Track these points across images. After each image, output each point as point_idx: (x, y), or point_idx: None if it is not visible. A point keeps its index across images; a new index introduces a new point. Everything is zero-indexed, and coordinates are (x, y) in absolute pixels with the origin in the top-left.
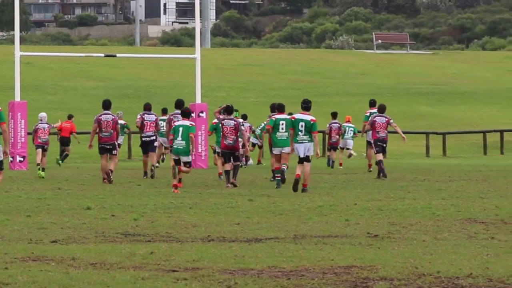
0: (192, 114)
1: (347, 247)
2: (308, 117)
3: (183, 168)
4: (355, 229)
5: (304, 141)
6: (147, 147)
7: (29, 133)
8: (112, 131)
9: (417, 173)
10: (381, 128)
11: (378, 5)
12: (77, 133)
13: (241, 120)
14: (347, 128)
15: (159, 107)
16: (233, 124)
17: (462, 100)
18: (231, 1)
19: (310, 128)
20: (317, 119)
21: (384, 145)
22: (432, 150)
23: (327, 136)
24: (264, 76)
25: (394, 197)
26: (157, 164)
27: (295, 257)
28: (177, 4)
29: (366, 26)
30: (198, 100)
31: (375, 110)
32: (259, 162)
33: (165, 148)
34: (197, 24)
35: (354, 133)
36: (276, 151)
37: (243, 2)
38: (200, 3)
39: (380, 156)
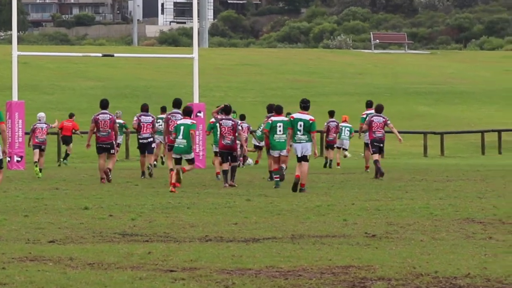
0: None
1: (345, 247)
2: (307, 116)
3: (187, 167)
4: (353, 229)
5: (301, 141)
6: (144, 148)
7: (26, 133)
8: (109, 130)
9: (415, 173)
10: (378, 128)
11: (376, 4)
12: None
13: (238, 121)
14: (343, 128)
15: (157, 107)
16: (231, 124)
17: (460, 100)
18: (228, 1)
19: (309, 128)
20: (315, 119)
21: (381, 144)
22: (430, 150)
23: (324, 135)
24: (262, 76)
25: (392, 197)
26: (154, 162)
27: (293, 257)
28: (175, 3)
29: (364, 25)
30: (196, 100)
31: (371, 111)
32: (256, 163)
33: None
34: (194, 23)
35: (351, 132)
36: (274, 153)
37: (240, 1)
38: (198, 2)
39: (376, 156)
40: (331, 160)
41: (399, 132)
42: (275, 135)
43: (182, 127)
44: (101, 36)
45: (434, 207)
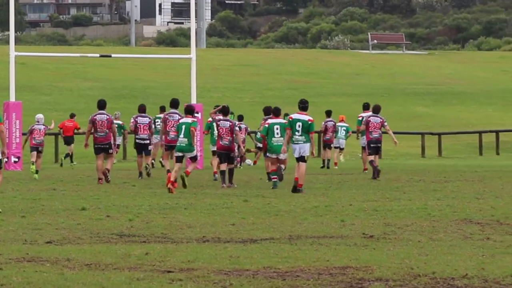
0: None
1: (343, 248)
2: (305, 117)
3: (189, 168)
4: (351, 230)
5: (299, 142)
6: (141, 148)
7: (24, 134)
8: (107, 130)
9: (412, 174)
10: (375, 128)
11: (374, 5)
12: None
13: (236, 122)
14: (339, 127)
15: (155, 107)
16: (228, 125)
17: (458, 100)
18: (226, 1)
19: (307, 129)
20: (313, 119)
21: (379, 145)
22: (428, 151)
23: (322, 135)
24: (260, 76)
25: (389, 198)
26: (152, 161)
27: (291, 257)
28: (173, 4)
29: (362, 26)
30: (194, 100)
31: (368, 114)
32: (255, 163)
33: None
34: (192, 24)
35: (347, 132)
36: (272, 155)
37: (238, 2)
38: (195, 3)
39: (372, 157)
40: (328, 160)
41: (397, 133)
42: (273, 138)
43: (183, 126)
44: (98, 36)
45: (432, 208)
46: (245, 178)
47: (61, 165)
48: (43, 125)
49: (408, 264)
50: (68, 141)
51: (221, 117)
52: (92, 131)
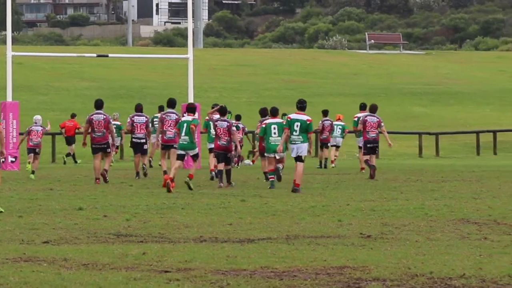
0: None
1: (340, 248)
2: (304, 117)
3: (191, 171)
4: (348, 230)
5: (296, 142)
6: (138, 148)
7: (21, 133)
8: (104, 130)
9: (410, 174)
10: (371, 128)
11: (371, 5)
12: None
13: (234, 122)
14: (336, 126)
15: (152, 107)
16: (226, 126)
17: (455, 100)
18: (223, 1)
19: (306, 129)
20: (311, 119)
21: (375, 145)
22: (425, 151)
23: (319, 134)
24: (257, 76)
25: (387, 198)
26: (150, 158)
27: (288, 257)
28: (170, 4)
29: (359, 26)
30: (191, 100)
31: (364, 113)
32: (253, 162)
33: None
34: (189, 24)
35: (343, 130)
36: (270, 155)
37: (235, 2)
38: (192, 3)
39: (367, 156)
40: (326, 159)
41: (395, 133)
42: (270, 138)
43: (185, 124)
44: (95, 36)
45: (429, 207)
46: (242, 178)
47: (64, 162)
48: (41, 126)
49: (406, 264)
50: (70, 141)
51: (218, 116)
52: (90, 131)
